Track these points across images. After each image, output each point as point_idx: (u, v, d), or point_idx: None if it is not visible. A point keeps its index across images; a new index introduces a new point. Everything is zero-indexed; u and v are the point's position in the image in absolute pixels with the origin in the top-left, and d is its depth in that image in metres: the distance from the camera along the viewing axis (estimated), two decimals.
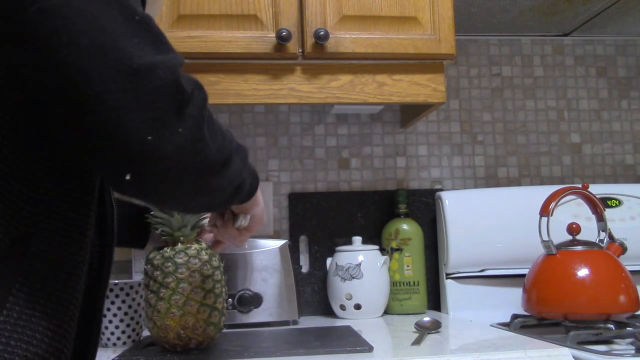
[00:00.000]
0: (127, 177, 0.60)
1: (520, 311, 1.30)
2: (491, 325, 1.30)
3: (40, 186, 0.64)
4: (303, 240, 1.60)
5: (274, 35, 1.27)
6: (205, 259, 1.05)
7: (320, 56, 1.30)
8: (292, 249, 1.52)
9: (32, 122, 0.63)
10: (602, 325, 1.15)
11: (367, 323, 1.39)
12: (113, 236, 0.79)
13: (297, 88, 1.31)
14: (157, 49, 0.62)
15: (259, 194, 0.92)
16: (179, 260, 1.03)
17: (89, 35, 0.58)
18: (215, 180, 0.70)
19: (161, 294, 1.03)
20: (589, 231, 1.32)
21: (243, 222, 0.99)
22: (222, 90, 1.29)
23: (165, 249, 1.05)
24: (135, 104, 0.58)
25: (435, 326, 1.20)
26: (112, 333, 1.18)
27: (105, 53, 0.58)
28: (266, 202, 1.59)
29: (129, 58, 0.59)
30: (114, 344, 1.19)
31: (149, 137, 0.59)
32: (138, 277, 1.50)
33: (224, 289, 1.09)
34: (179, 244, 1.06)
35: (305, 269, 1.59)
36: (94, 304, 0.76)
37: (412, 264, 1.53)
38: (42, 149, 0.64)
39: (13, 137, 0.63)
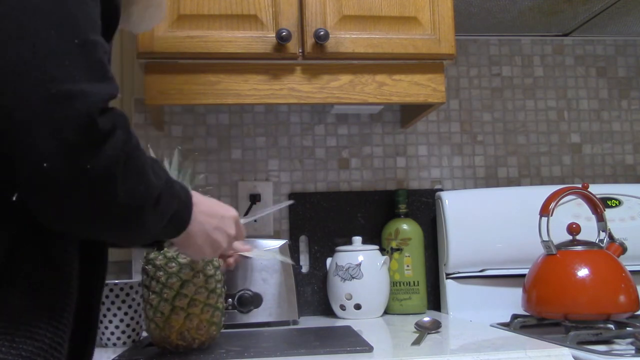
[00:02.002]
0: (13, 198, 0.60)
1: (520, 311, 1.30)
2: (491, 325, 1.30)
3: None
4: (303, 240, 1.60)
5: (274, 35, 1.27)
6: (207, 259, 1.05)
7: (320, 56, 1.30)
8: (292, 249, 1.52)
9: None
10: (602, 325, 1.15)
11: (367, 323, 1.39)
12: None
13: (297, 88, 1.31)
14: (90, 76, 0.61)
15: (194, 241, 0.84)
16: (183, 261, 1.03)
17: (15, 48, 0.58)
18: (120, 218, 0.67)
19: (164, 295, 1.03)
20: (589, 231, 1.32)
21: (171, 250, 1.02)
22: (222, 90, 1.29)
23: (167, 249, 1.05)
24: (42, 129, 0.57)
25: (435, 326, 1.20)
26: (112, 333, 1.18)
27: (27, 70, 0.58)
28: (266, 202, 1.60)
29: (50, 81, 0.58)
30: (114, 344, 1.19)
31: (45, 164, 0.58)
32: (138, 277, 1.49)
33: (223, 289, 1.10)
34: None
35: (305, 269, 1.59)
36: (91, 299, 0.77)
37: (412, 264, 1.53)
38: None
39: None
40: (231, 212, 0.91)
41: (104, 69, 0.63)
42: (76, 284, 0.70)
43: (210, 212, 0.86)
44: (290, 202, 1.24)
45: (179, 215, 0.77)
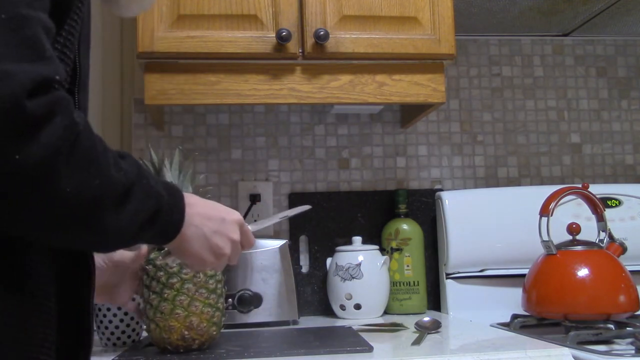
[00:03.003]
0: None
1: (520, 311, 1.30)
2: (491, 325, 1.30)
3: None
4: (303, 240, 1.60)
5: (274, 35, 1.27)
6: (211, 270, 1.05)
7: (320, 56, 1.30)
8: (292, 249, 1.52)
9: None
10: (602, 325, 1.15)
11: (367, 323, 1.39)
12: None
13: (297, 88, 1.31)
14: (19, 55, 0.54)
15: (190, 246, 0.77)
16: None
17: None
18: (72, 218, 0.59)
19: (165, 295, 1.03)
20: (589, 231, 1.32)
21: (168, 260, 0.93)
22: (222, 90, 1.29)
23: (163, 258, 1.05)
24: None
25: (435, 326, 1.20)
26: (112, 333, 1.18)
27: None
28: (266, 202, 1.60)
29: None
30: (114, 344, 1.18)
31: None
32: None
33: (224, 289, 1.10)
34: None
35: (305, 269, 1.59)
36: (82, 304, 0.73)
37: (412, 264, 1.53)
38: None
39: None
40: (233, 215, 0.83)
41: (38, 47, 0.56)
42: (51, 291, 0.65)
43: (209, 214, 0.79)
44: (308, 207, 1.15)
45: (165, 217, 0.69)
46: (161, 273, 1.03)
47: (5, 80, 0.52)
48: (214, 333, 1.06)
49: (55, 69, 0.57)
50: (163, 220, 0.69)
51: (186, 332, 1.02)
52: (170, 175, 1.09)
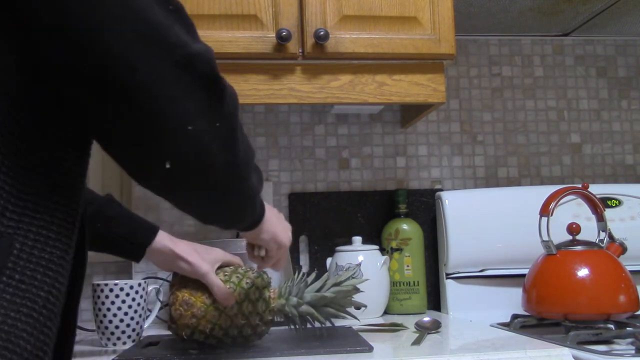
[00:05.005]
0: (167, 166, 0.61)
1: (520, 311, 1.30)
2: (491, 325, 1.30)
3: (28, 180, 0.60)
4: (303, 240, 1.60)
5: (274, 35, 1.27)
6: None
7: (320, 56, 1.30)
8: (292, 249, 1.52)
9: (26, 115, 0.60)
10: (602, 325, 1.15)
11: (367, 323, 1.39)
12: (85, 235, 0.73)
13: (297, 88, 1.31)
14: (193, 39, 0.62)
15: (267, 224, 0.93)
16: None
17: (132, 26, 0.57)
18: (240, 185, 0.71)
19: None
20: (589, 231, 1.32)
21: (261, 252, 1.02)
22: None
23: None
24: (179, 95, 0.59)
25: (435, 326, 1.20)
26: (112, 333, 1.18)
27: (150, 44, 0.58)
28: (266, 202, 1.59)
29: (172, 49, 0.59)
30: (114, 344, 1.18)
31: (189, 127, 0.60)
32: (138, 277, 1.50)
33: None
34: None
35: (305, 269, 1.59)
36: (71, 302, 0.71)
37: (412, 264, 1.53)
38: (35, 141, 0.60)
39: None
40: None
41: (195, 29, 0.64)
42: (64, 289, 0.65)
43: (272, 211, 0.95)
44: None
45: (261, 186, 0.81)
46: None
47: (201, 59, 0.60)
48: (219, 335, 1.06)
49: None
50: (259, 197, 0.82)
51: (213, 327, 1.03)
52: None
